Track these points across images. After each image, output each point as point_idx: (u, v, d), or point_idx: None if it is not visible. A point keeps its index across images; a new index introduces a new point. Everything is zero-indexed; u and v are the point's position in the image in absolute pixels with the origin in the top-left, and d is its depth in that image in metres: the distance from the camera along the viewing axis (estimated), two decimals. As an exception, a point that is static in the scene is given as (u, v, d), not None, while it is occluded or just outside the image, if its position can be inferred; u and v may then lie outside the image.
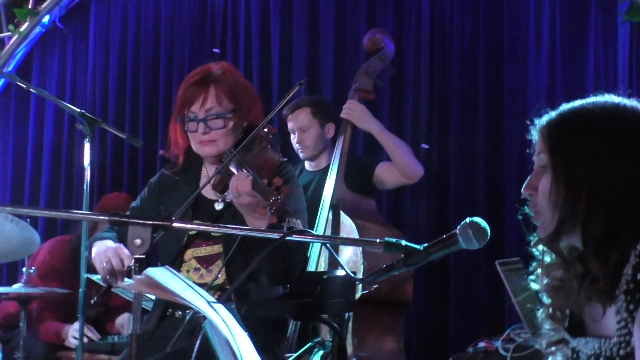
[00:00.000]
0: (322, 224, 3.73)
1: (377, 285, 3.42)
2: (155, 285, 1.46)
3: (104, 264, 2.35)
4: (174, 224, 1.73)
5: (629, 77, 4.23)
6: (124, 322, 4.32)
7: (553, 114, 1.63)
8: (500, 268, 2.93)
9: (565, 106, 1.63)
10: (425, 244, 1.75)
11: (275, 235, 1.81)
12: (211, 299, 1.61)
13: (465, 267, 4.60)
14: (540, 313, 1.74)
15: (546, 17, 4.58)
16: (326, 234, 3.71)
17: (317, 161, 4.05)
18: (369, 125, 3.94)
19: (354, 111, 3.90)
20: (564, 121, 1.60)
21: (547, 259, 1.66)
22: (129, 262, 2.27)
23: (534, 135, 1.66)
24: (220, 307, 1.56)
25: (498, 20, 4.71)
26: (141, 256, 1.69)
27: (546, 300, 1.69)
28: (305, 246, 2.68)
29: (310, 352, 3.12)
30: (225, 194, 2.53)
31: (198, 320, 2.54)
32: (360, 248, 3.51)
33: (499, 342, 2.90)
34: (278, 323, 2.73)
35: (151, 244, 1.70)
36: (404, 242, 1.75)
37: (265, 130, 2.63)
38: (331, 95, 4.94)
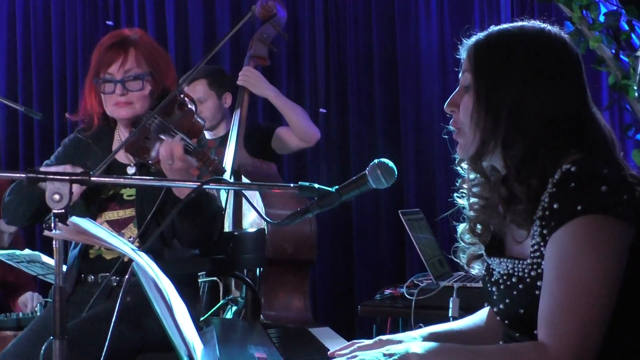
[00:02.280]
0: (223, 190, 3.78)
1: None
2: (81, 232, 1.50)
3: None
4: (93, 178, 1.74)
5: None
6: (27, 301, 4.24)
7: (481, 35, 1.66)
8: (403, 217, 3.06)
9: (494, 28, 1.66)
10: (337, 186, 1.82)
11: (193, 185, 1.84)
12: (134, 247, 1.65)
13: (368, 222, 4.76)
14: (461, 227, 1.79)
15: (434, -19, 4.77)
16: (229, 199, 3.76)
17: (216, 130, 4.08)
18: (265, 91, 3.98)
19: (250, 78, 3.94)
20: (489, 43, 1.62)
21: (472, 176, 1.70)
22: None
23: (462, 54, 1.68)
24: (142, 254, 1.61)
25: (389, -16, 4.85)
26: (60, 211, 1.70)
27: (470, 214, 1.74)
28: (222, 211, 2.71)
29: (223, 309, 3.19)
30: (141, 158, 2.51)
31: (112, 285, 2.56)
32: (263, 211, 3.57)
33: (404, 288, 3.02)
34: (191, 284, 2.77)
35: (70, 199, 1.70)
36: (316, 185, 1.81)
37: (182, 96, 2.65)
38: (229, 63, 4.97)
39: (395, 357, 1.48)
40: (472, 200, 1.72)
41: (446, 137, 1.74)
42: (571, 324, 1.42)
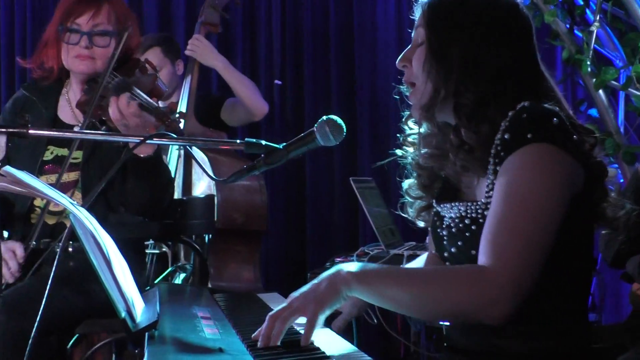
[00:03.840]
0: (174, 158, 3.72)
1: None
2: (17, 181, 1.44)
3: None
4: (30, 131, 1.68)
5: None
6: None
7: None
8: (355, 185, 3.04)
9: None
10: (284, 143, 1.79)
11: (136, 139, 1.79)
12: (72, 201, 1.60)
13: (321, 191, 4.74)
14: (407, 182, 1.81)
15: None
16: (178, 168, 3.71)
17: (170, 99, 4.01)
18: (213, 61, 3.91)
19: (198, 47, 3.87)
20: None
21: (423, 129, 1.71)
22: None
23: (416, 12, 1.70)
24: (82, 209, 1.56)
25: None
26: (-4, 163, 1.64)
27: (419, 168, 1.75)
28: (173, 181, 2.67)
29: (171, 277, 3.15)
30: (94, 117, 2.44)
31: (55, 250, 2.50)
32: (213, 183, 3.54)
33: (354, 257, 3.01)
34: (137, 249, 2.71)
35: (6, 152, 1.65)
36: (264, 142, 1.78)
37: (144, 60, 2.58)
38: (183, 31, 4.89)
39: (324, 278, 1.46)
40: (424, 151, 1.73)
41: (397, 97, 1.75)
42: (513, 244, 1.41)
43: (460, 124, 1.60)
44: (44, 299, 1.66)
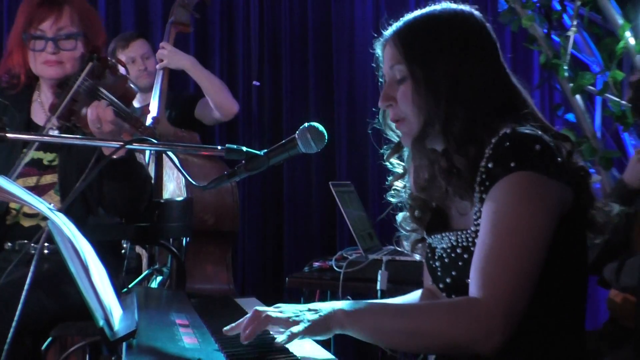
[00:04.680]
0: (145, 158, 3.70)
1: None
2: (-8, 187, 1.42)
3: None
4: (9, 135, 1.66)
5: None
6: None
7: (399, 23, 1.67)
8: (334, 189, 3.03)
9: (408, 16, 1.68)
10: (266, 150, 1.78)
11: (116, 144, 1.77)
12: (50, 206, 1.58)
13: (299, 194, 4.73)
14: (400, 216, 1.81)
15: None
16: (150, 169, 3.68)
17: (145, 96, 4.00)
18: (180, 62, 3.92)
19: (164, 53, 3.89)
20: (413, 28, 1.65)
21: (417, 161, 1.71)
22: None
23: (378, 50, 1.71)
24: (60, 214, 1.54)
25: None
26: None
27: (410, 202, 1.76)
28: (151, 179, 2.64)
29: (148, 280, 3.11)
30: (65, 121, 2.41)
31: (31, 252, 2.47)
32: (183, 181, 3.52)
33: (333, 261, 3.00)
34: (114, 252, 2.70)
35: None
36: (244, 148, 1.77)
37: (113, 60, 2.56)
38: (160, 31, 4.85)
39: (320, 313, 1.45)
40: (415, 182, 1.73)
41: (370, 132, 1.79)
42: (503, 275, 1.42)
43: (450, 148, 1.60)
44: (21, 302, 1.64)
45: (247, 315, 1.45)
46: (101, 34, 2.62)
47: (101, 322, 1.38)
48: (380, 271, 2.77)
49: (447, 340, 1.43)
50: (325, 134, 1.75)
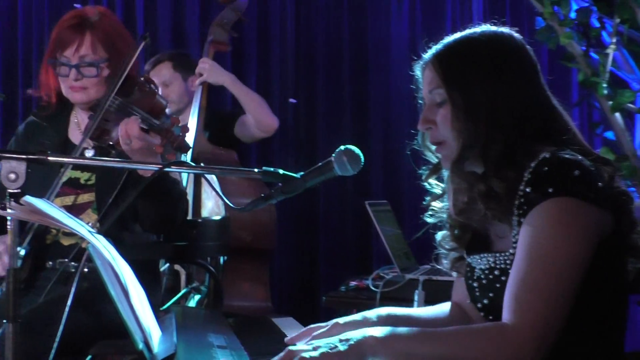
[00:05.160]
0: (184, 177, 3.73)
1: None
2: (35, 211, 1.45)
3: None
4: (50, 158, 1.69)
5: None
6: None
7: (438, 47, 1.68)
8: (370, 208, 3.03)
9: (448, 39, 1.69)
10: (302, 173, 1.79)
11: (154, 167, 1.79)
12: (90, 229, 1.60)
13: (334, 212, 4.73)
14: (440, 235, 1.81)
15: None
16: (188, 187, 3.71)
17: (183, 115, 4.02)
18: (220, 78, 3.92)
19: (204, 68, 3.89)
20: (452, 52, 1.65)
21: (454, 184, 1.71)
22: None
23: (418, 72, 1.72)
24: (99, 236, 1.56)
25: (361, -25, 4.83)
26: (16, 191, 1.65)
27: (450, 220, 1.76)
28: (186, 195, 2.66)
29: (185, 298, 3.14)
30: (101, 142, 2.44)
31: (70, 270, 2.50)
32: (221, 201, 3.53)
33: (369, 280, 2.99)
34: (151, 270, 2.71)
35: (26, 178, 1.65)
36: (281, 171, 1.78)
37: (142, 79, 2.58)
38: (198, 49, 4.89)
39: (352, 342, 1.45)
40: (454, 205, 1.73)
41: (409, 153, 1.81)
42: (534, 302, 1.43)
43: (489, 171, 1.60)
44: (62, 321, 1.66)
45: (280, 355, 1.45)
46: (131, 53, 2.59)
47: (140, 345, 1.40)
48: (417, 291, 2.76)
49: None
50: (362, 156, 1.76)
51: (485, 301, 1.64)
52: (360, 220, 4.49)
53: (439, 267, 1.89)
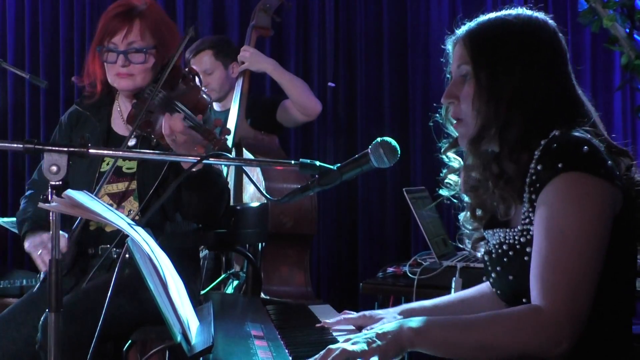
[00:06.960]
0: (224, 166, 3.76)
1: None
2: (76, 205, 1.48)
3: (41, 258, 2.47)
4: (91, 151, 1.72)
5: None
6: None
7: (472, 24, 1.69)
8: (408, 195, 3.04)
9: (483, 17, 1.70)
10: (339, 164, 1.80)
11: (192, 159, 1.82)
12: (130, 221, 1.63)
13: (373, 199, 4.73)
14: (462, 215, 1.83)
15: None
16: (229, 173, 3.74)
17: (225, 102, 4.05)
18: (262, 65, 3.96)
19: (246, 56, 3.92)
20: (485, 31, 1.66)
21: (469, 161, 1.72)
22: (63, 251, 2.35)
23: (449, 46, 1.74)
24: (139, 229, 1.59)
25: (401, -41, 4.78)
26: (58, 183, 1.69)
27: (467, 199, 1.78)
28: (228, 187, 2.70)
29: (224, 283, 3.18)
30: (143, 131, 2.48)
31: (112, 257, 2.55)
32: (263, 184, 3.56)
33: (407, 267, 3.00)
34: (192, 257, 2.75)
35: (67, 171, 1.69)
36: (318, 163, 1.79)
37: (187, 70, 2.61)
38: (237, 34, 4.92)
39: (389, 335, 1.47)
40: (464, 182, 1.76)
41: (431, 124, 1.83)
42: (561, 281, 1.44)
43: (502, 153, 1.62)
44: (105, 307, 1.70)
45: (320, 354, 1.45)
46: (175, 44, 2.64)
47: (179, 338, 1.43)
48: (454, 278, 2.76)
49: (516, 351, 1.45)
50: (398, 148, 1.77)
51: (494, 275, 1.67)
52: (400, 205, 4.49)
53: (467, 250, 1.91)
